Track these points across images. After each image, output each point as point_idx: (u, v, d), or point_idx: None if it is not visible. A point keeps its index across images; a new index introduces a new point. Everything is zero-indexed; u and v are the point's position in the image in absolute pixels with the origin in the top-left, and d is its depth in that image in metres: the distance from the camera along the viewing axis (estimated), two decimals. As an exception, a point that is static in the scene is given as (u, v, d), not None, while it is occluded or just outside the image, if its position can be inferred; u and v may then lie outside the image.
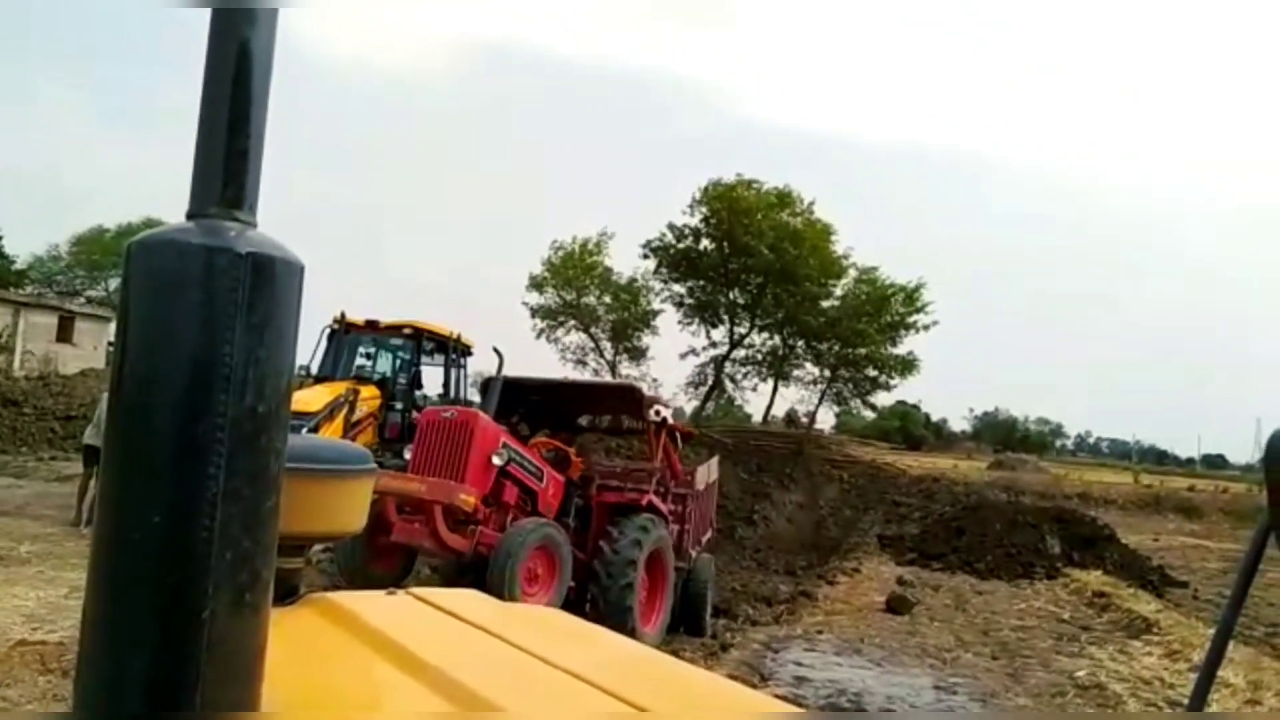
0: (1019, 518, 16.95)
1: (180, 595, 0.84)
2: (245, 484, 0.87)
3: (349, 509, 1.54)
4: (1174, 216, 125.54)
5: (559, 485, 9.33)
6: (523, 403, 10.63)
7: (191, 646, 0.84)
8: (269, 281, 0.90)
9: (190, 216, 0.92)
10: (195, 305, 0.86)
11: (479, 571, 7.91)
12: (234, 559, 0.86)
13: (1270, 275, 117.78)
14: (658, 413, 9.86)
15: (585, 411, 11.71)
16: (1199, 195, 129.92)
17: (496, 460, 8.58)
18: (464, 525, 8.38)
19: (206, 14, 0.94)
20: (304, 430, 10.63)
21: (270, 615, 0.92)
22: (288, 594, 1.52)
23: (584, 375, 32.18)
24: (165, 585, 0.84)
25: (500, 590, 7.63)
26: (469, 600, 1.63)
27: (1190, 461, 66.91)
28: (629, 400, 10.70)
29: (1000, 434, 70.15)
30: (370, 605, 1.48)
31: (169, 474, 0.85)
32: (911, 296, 30.58)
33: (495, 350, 10.83)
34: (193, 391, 0.85)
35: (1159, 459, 69.31)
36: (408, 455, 9.10)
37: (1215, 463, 66.84)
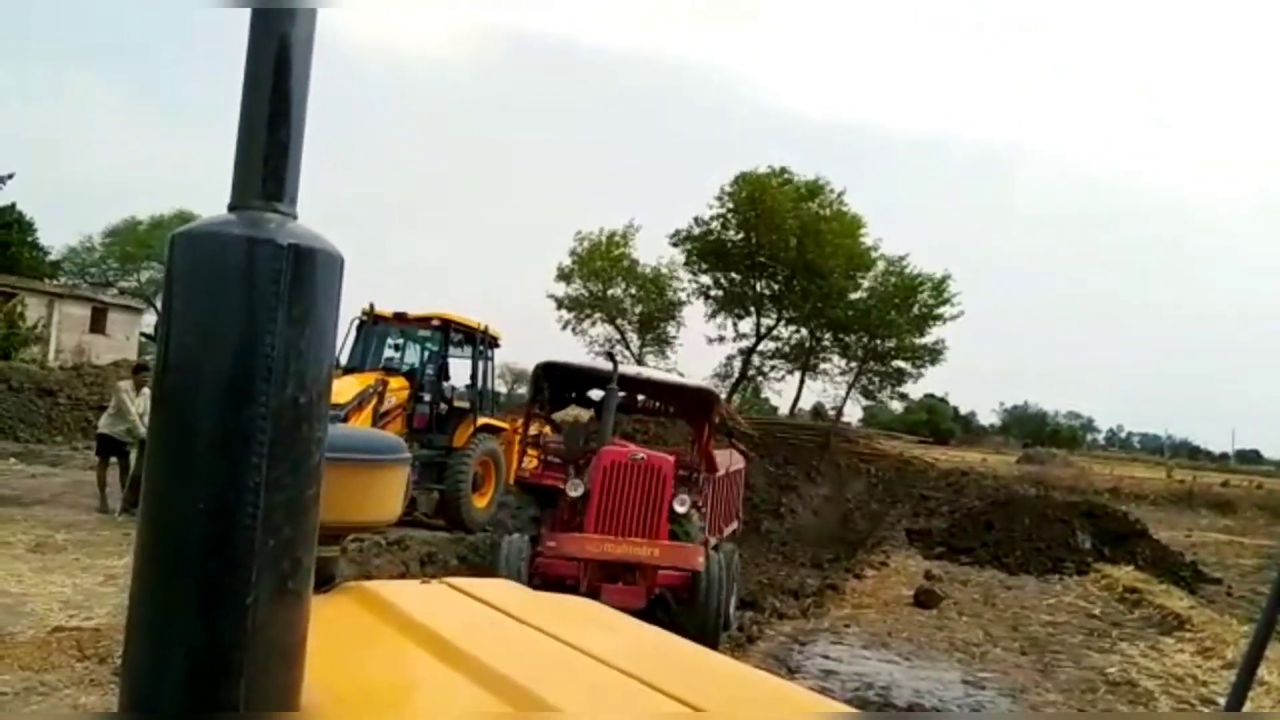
0: (1049, 512, 16.78)
1: (224, 581, 0.85)
2: (287, 473, 0.88)
3: (384, 499, 1.56)
4: (1208, 208, 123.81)
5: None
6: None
7: (235, 632, 0.85)
8: (310, 273, 0.91)
9: (232, 208, 0.93)
10: (237, 296, 0.88)
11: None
12: (276, 546, 0.87)
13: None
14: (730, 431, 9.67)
15: (657, 406, 11.69)
16: (1234, 187, 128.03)
17: (679, 508, 8.13)
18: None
19: (244, 11, 0.95)
20: (335, 422, 10.71)
21: (310, 603, 0.93)
22: (324, 582, 1.53)
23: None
24: (209, 571, 0.85)
25: (715, 621, 7.54)
26: (504, 589, 1.63)
27: (1224, 456, 66.02)
28: (701, 402, 10.73)
29: (1030, 428, 69.61)
30: (406, 594, 1.49)
31: (213, 462, 0.86)
32: (939, 287, 30.34)
33: (609, 355, 10.77)
34: (235, 381, 0.86)
35: (1192, 454, 68.45)
36: (571, 492, 8.23)
37: (1249, 458, 65.88)
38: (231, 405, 0.86)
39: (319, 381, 0.92)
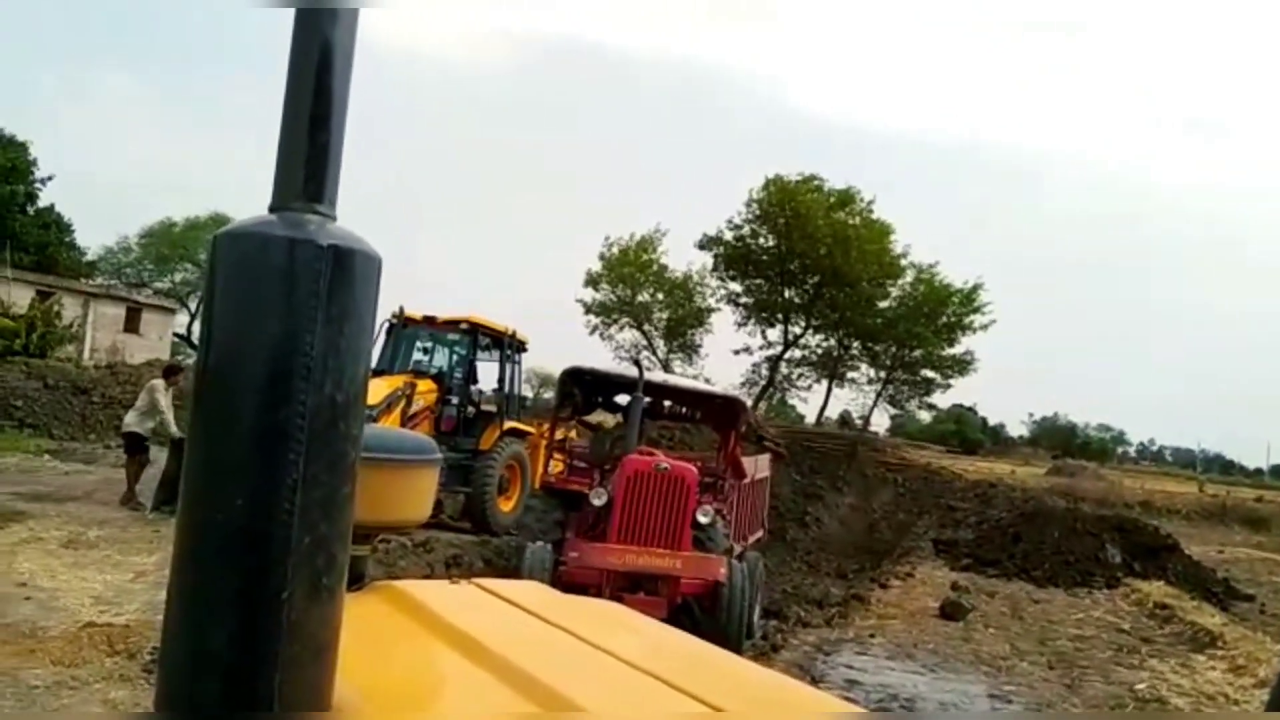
0: (1078, 525, 16.58)
1: (260, 577, 0.86)
2: (324, 470, 0.89)
3: (414, 499, 1.57)
4: (1242, 217, 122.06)
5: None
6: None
7: (270, 627, 0.86)
8: (349, 273, 0.92)
9: (273, 209, 0.94)
10: (278, 295, 0.89)
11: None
12: (312, 544, 0.88)
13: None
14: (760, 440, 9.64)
15: (684, 412, 11.69)
16: (1269, 198, 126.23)
17: (702, 519, 8.12)
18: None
19: (279, 13, 0.96)
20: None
21: (344, 600, 0.94)
22: (354, 581, 1.55)
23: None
24: (247, 567, 0.87)
25: (737, 629, 7.55)
26: (532, 591, 1.64)
27: (1258, 472, 65.02)
28: (729, 410, 10.73)
29: (1059, 439, 68.77)
30: (436, 594, 1.50)
31: (251, 459, 0.87)
32: (969, 297, 30.13)
33: (635, 362, 10.79)
34: (274, 379, 0.88)
35: (1225, 468, 67.45)
36: (595, 501, 8.25)
37: (1285, 473, 64.77)
38: (270, 403, 0.88)
39: (356, 381, 0.94)
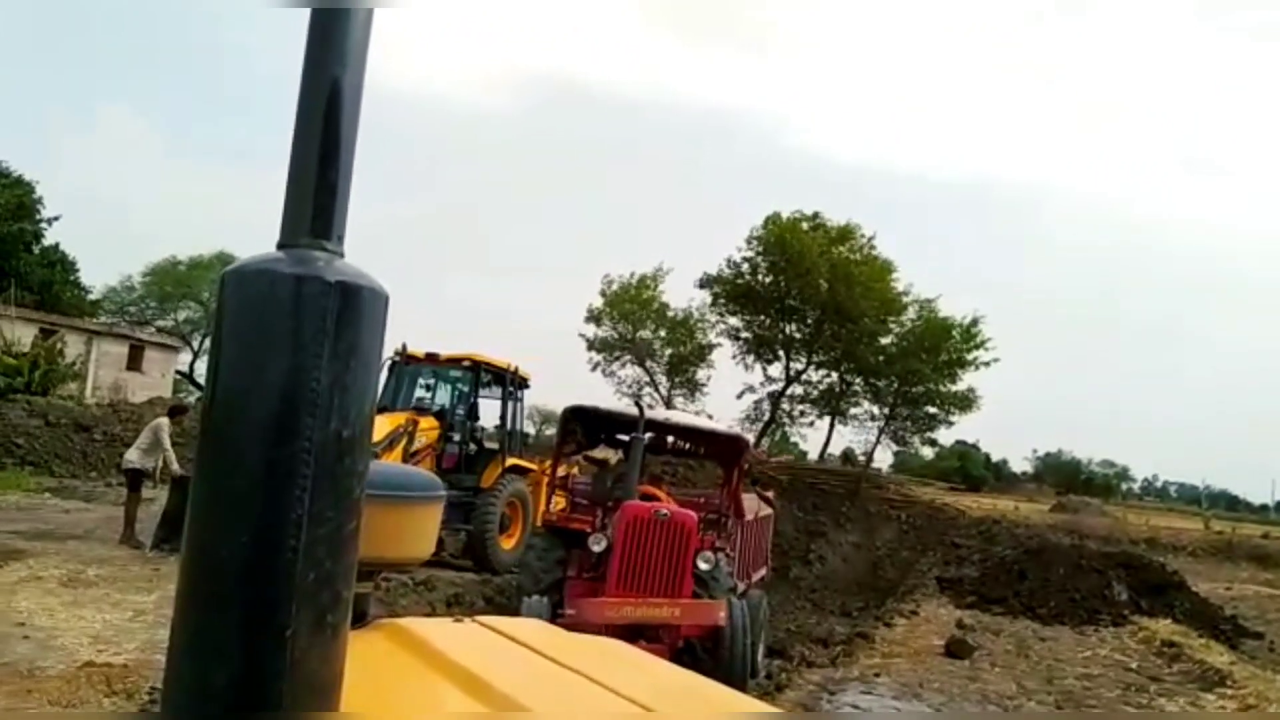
0: (1083, 562, 16.47)
1: (264, 613, 0.86)
2: (329, 506, 0.89)
3: (418, 536, 1.57)
4: (1243, 252, 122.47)
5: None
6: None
7: (274, 663, 0.86)
8: (355, 309, 0.93)
9: (281, 246, 0.95)
10: (285, 332, 0.89)
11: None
12: (316, 580, 0.88)
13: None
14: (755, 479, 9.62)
15: (687, 448, 11.69)
16: (1270, 234, 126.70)
17: (704, 565, 8.09)
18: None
19: (280, 52, 0.98)
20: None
21: (348, 637, 0.93)
22: (358, 618, 1.54)
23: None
24: (250, 603, 0.86)
25: (740, 670, 7.49)
26: (537, 630, 1.63)
27: (1264, 508, 64.60)
28: (731, 448, 10.75)
29: (1063, 476, 68.48)
30: (440, 632, 1.50)
31: (257, 495, 0.87)
32: (970, 332, 30.13)
33: (636, 402, 10.78)
34: (281, 415, 0.88)
35: (1230, 505, 67.05)
36: (594, 547, 8.23)
37: (1291, 510, 64.40)
38: (277, 439, 0.88)
39: (362, 416, 0.94)
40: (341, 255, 0.96)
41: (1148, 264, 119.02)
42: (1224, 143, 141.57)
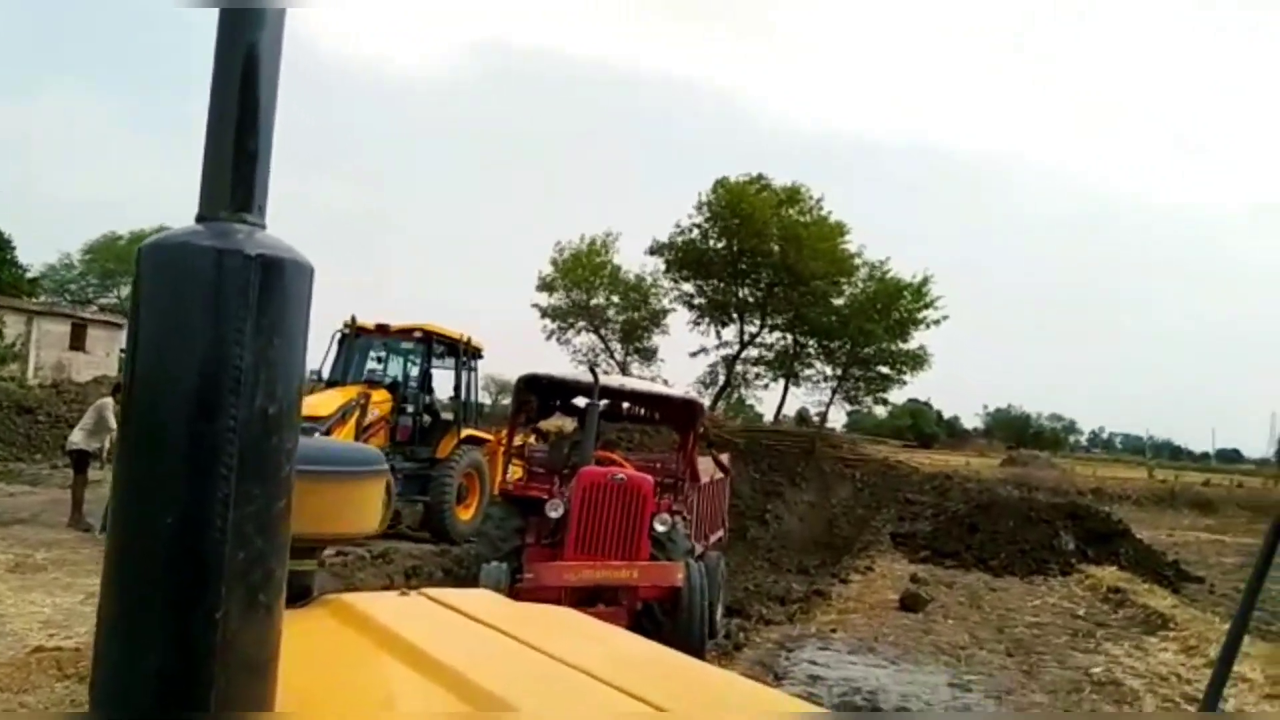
0: (1032, 514, 16.85)
1: (194, 595, 0.84)
2: (257, 484, 0.87)
3: (362, 511, 1.55)
4: (1187, 213, 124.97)
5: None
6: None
7: (205, 646, 0.84)
8: (278, 283, 0.90)
9: (200, 219, 0.92)
10: (205, 307, 0.87)
11: None
12: (246, 559, 0.86)
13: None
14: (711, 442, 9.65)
15: (642, 414, 11.69)
16: (1218, 194, 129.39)
17: (659, 527, 8.08)
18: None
19: (213, 15, 0.94)
20: (316, 435, 10.68)
21: (283, 616, 0.92)
22: (301, 595, 1.52)
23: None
24: (179, 586, 0.84)
25: (699, 630, 7.51)
26: (482, 600, 1.63)
27: (1205, 456, 66.49)
28: (687, 412, 10.78)
29: (1013, 431, 69.93)
30: (384, 606, 1.48)
31: (181, 475, 0.85)
32: (920, 292, 30.50)
33: (591, 369, 10.72)
34: (203, 393, 0.86)
35: (1173, 454, 68.93)
36: (551, 513, 8.21)
37: (1230, 457, 66.41)
38: (199, 418, 0.86)
39: (289, 393, 0.92)
40: (263, 227, 0.94)
41: (1096, 227, 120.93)
42: (1176, 114, 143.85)
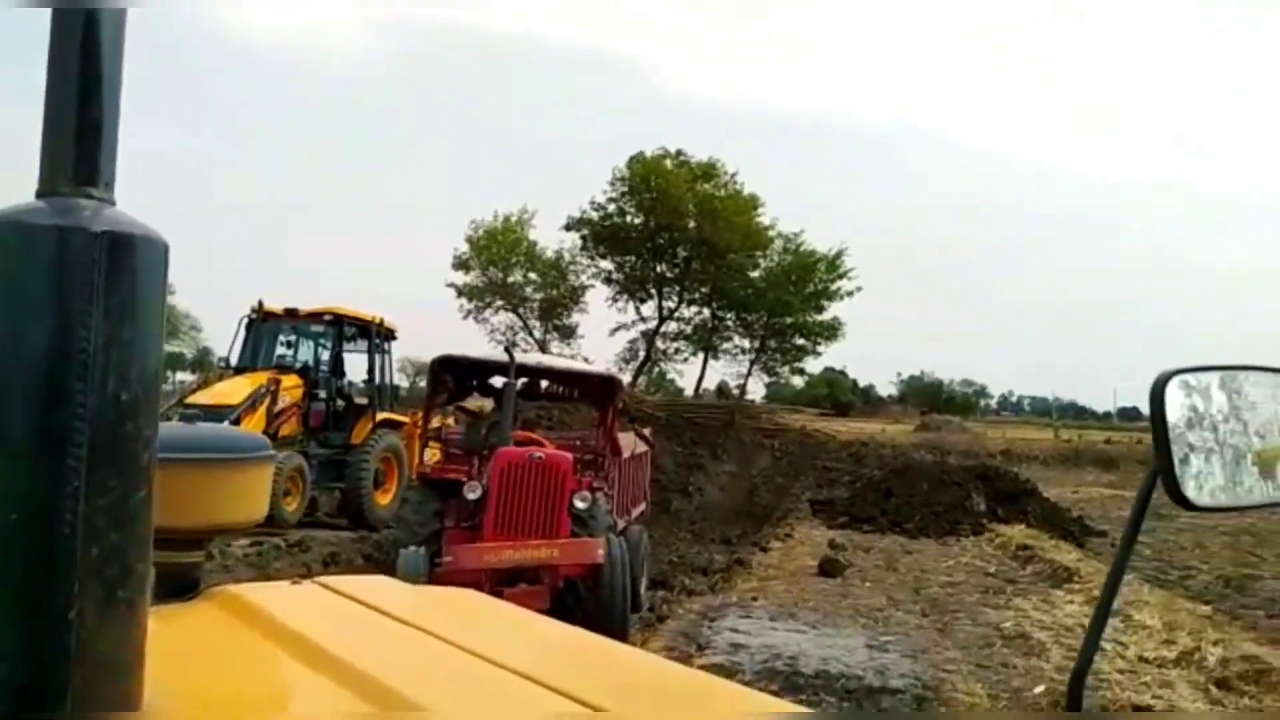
0: (945, 477, 17.37)
1: (44, 595, 0.79)
2: (111, 475, 0.82)
3: (247, 499, 1.49)
4: (1090, 183, 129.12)
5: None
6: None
7: (59, 647, 0.79)
8: (128, 262, 0.85)
9: (40, 195, 0.86)
10: (47, 289, 0.81)
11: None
12: (101, 554, 0.81)
13: (1171, 237, 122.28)
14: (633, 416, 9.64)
15: (560, 392, 11.61)
16: (1113, 161, 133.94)
17: (579, 504, 8.05)
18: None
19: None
20: (225, 423, 10.39)
21: (148, 612, 0.87)
22: (187, 589, 1.46)
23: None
24: (27, 585, 0.79)
25: (621, 605, 7.46)
26: (380, 586, 1.58)
27: (1107, 415, 69.29)
28: (605, 388, 10.74)
29: (926, 397, 71.73)
30: (274, 596, 1.43)
31: (25, 468, 0.80)
32: (834, 264, 31.00)
33: (507, 349, 10.54)
34: (47, 380, 0.80)
35: (1078, 414, 71.66)
36: (469, 495, 8.10)
37: (1130, 415, 69.16)
38: (44, 406, 0.80)
39: (145, 377, 0.86)
40: (112, 203, 0.88)
41: (998, 194, 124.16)
42: (1076, 80, 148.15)
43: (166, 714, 0.92)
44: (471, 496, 8.09)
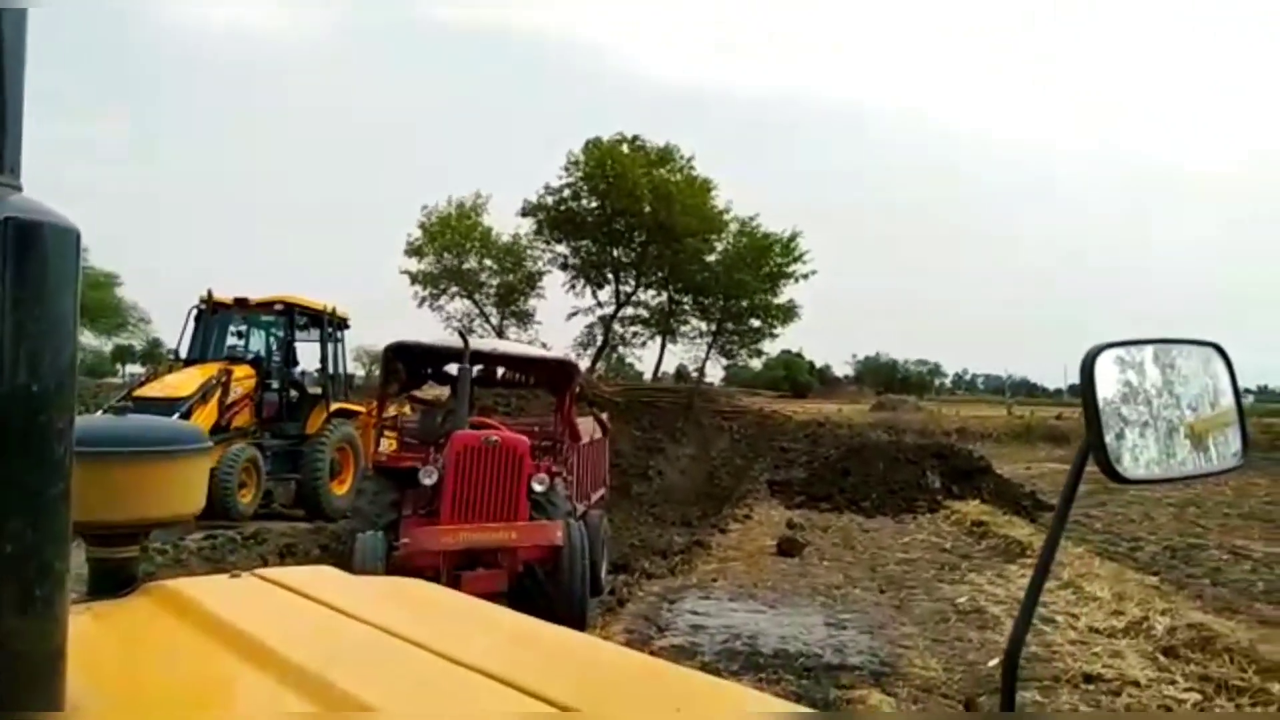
0: (900, 456, 17.59)
1: None
2: (24, 470, 0.79)
3: (184, 491, 1.46)
4: (1040, 157, 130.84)
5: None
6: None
7: None
8: (36, 249, 0.81)
9: None
10: None
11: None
12: (16, 552, 0.78)
13: (1123, 213, 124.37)
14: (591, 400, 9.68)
15: (517, 378, 11.55)
16: (1066, 138, 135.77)
17: (537, 487, 8.01)
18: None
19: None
20: (176, 415, 10.21)
21: (68, 609, 0.85)
22: (124, 584, 1.43)
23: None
24: None
25: (580, 590, 7.46)
26: (321, 577, 1.56)
27: (1058, 392, 70.39)
28: (561, 373, 10.69)
29: (882, 377, 72.44)
30: (212, 590, 1.40)
31: None
32: (788, 246, 31.13)
33: (461, 334, 10.44)
34: None
35: (1029, 391, 72.79)
36: (425, 480, 8.02)
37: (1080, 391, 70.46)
38: None
39: (59, 367, 0.83)
40: (18, 189, 0.84)
41: (951, 175, 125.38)
42: (1025, 54, 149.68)
43: (92, 713, 0.89)
44: (428, 482, 8.02)
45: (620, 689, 1.14)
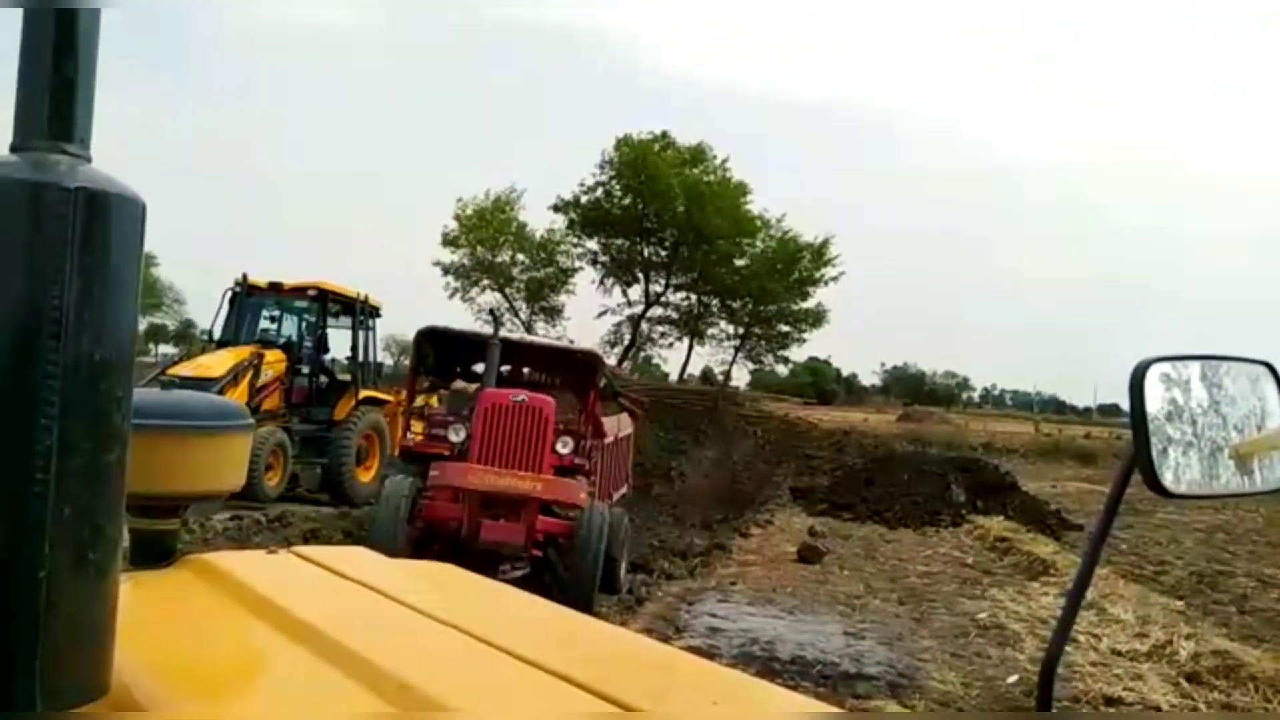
0: (926, 468, 17.44)
1: (15, 554, 0.78)
2: (84, 436, 0.81)
3: (225, 467, 1.48)
4: (1076, 174, 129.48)
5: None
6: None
7: (29, 607, 0.78)
8: (104, 219, 0.83)
9: (14, 149, 0.85)
10: (19, 244, 0.80)
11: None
12: (73, 515, 0.80)
13: (1158, 230, 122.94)
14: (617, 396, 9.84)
15: (541, 371, 11.61)
16: (1102, 155, 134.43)
17: (562, 449, 8.18)
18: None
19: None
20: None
21: (119, 574, 0.87)
22: (162, 556, 1.45)
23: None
24: None
25: (592, 569, 7.55)
26: (356, 556, 1.58)
27: (1087, 410, 69.74)
28: (586, 366, 10.73)
29: (909, 387, 72.08)
30: (250, 565, 1.42)
31: None
32: (820, 252, 31.02)
33: (492, 314, 10.50)
34: (19, 337, 0.79)
35: (1058, 409, 72.08)
36: (453, 438, 8.25)
37: (1109, 411, 69.61)
38: (15, 364, 0.79)
39: (120, 337, 0.85)
40: (88, 159, 0.86)
41: (988, 188, 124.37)
42: (1064, 75, 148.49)
43: (137, 679, 0.91)
44: (455, 439, 8.17)
45: (647, 677, 1.14)
